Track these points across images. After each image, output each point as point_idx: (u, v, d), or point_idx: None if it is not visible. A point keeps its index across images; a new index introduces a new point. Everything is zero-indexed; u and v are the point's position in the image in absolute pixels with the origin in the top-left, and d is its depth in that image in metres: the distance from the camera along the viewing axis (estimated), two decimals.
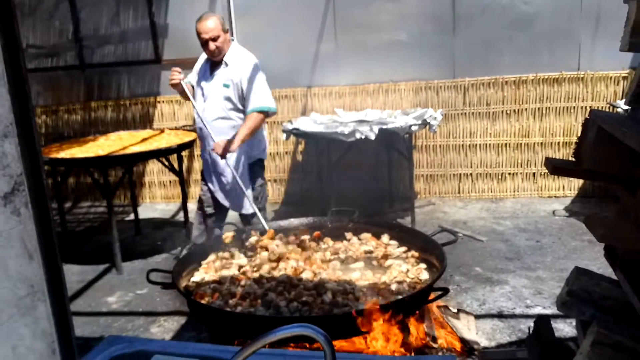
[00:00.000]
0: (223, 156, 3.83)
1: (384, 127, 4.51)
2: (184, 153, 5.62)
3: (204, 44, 3.86)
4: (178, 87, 3.97)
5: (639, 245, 1.74)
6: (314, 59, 5.89)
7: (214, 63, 4.01)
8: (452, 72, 5.71)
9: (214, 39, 3.82)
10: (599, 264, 3.54)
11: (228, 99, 3.94)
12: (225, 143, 3.81)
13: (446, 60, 5.70)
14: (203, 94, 4.02)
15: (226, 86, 3.94)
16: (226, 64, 3.96)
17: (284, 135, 5.03)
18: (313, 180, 5.79)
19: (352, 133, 4.41)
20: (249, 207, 4.00)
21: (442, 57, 5.70)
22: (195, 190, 6.35)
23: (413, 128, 4.62)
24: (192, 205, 5.13)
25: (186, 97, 4.08)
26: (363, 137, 4.40)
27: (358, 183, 5.65)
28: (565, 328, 3.16)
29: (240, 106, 3.98)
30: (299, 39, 5.86)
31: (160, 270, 3.65)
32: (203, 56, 4.12)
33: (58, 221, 5.41)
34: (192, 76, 4.17)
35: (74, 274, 4.54)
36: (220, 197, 4.14)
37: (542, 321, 2.72)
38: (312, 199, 5.75)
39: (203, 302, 2.78)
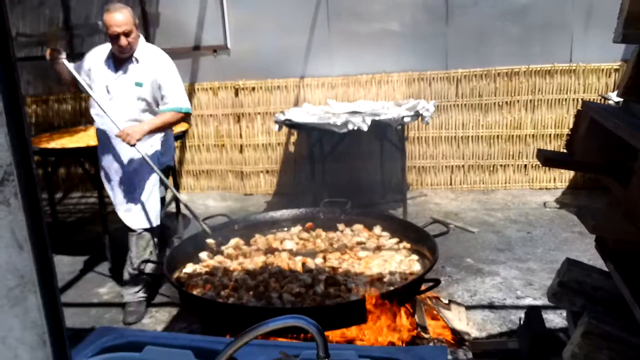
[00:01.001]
0: (133, 144, 3.36)
1: (377, 118, 4.51)
2: (176, 143, 5.59)
3: (115, 38, 3.35)
4: (59, 65, 3.45)
5: (630, 236, 1.75)
6: (307, 49, 5.86)
7: (120, 59, 3.51)
8: (444, 63, 5.71)
9: (127, 34, 3.35)
10: (590, 255, 3.57)
11: (142, 99, 3.52)
12: (133, 129, 3.37)
13: (439, 51, 5.69)
14: (108, 92, 3.52)
15: (139, 85, 3.49)
16: (137, 61, 3.49)
17: (276, 126, 5.01)
18: (305, 171, 5.78)
19: (344, 124, 4.41)
20: (157, 218, 3.70)
21: (435, 47, 5.69)
22: (187, 182, 6.34)
23: (405, 119, 4.62)
24: (184, 196, 5.08)
25: (68, 79, 3.55)
26: (355, 128, 4.39)
27: (350, 174, 5.66)
28: (555, 319, 3.18)
29: (155, 107, 3.58)
30: (292, 29, 5.82)
31: (151, 261, 3.64)
32: (98, 50, 3.63)
33: (49, 212, 5.38)
34: (80, 66, 3.62)
35: (65, 265, 4.53)
36: (121, 208, 3.63)
37: (533, 312, 2.74)
38: (304, 190, 5.75)
39: (195, 293, 2.78)
